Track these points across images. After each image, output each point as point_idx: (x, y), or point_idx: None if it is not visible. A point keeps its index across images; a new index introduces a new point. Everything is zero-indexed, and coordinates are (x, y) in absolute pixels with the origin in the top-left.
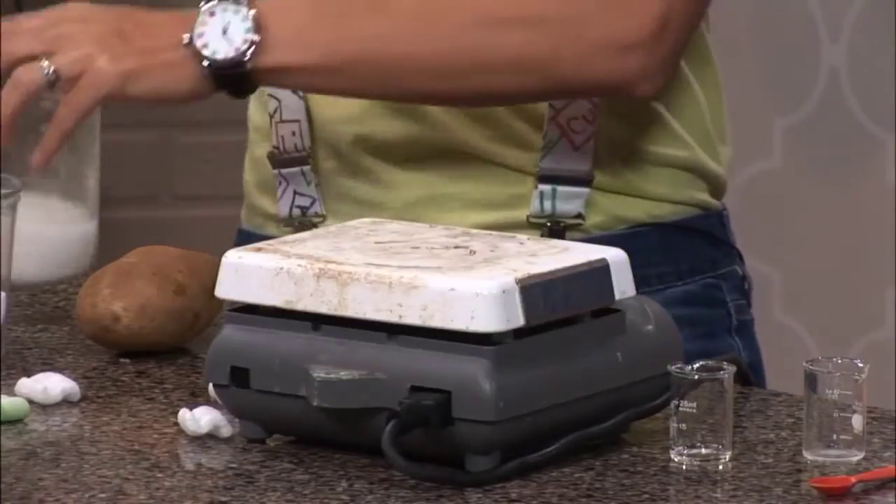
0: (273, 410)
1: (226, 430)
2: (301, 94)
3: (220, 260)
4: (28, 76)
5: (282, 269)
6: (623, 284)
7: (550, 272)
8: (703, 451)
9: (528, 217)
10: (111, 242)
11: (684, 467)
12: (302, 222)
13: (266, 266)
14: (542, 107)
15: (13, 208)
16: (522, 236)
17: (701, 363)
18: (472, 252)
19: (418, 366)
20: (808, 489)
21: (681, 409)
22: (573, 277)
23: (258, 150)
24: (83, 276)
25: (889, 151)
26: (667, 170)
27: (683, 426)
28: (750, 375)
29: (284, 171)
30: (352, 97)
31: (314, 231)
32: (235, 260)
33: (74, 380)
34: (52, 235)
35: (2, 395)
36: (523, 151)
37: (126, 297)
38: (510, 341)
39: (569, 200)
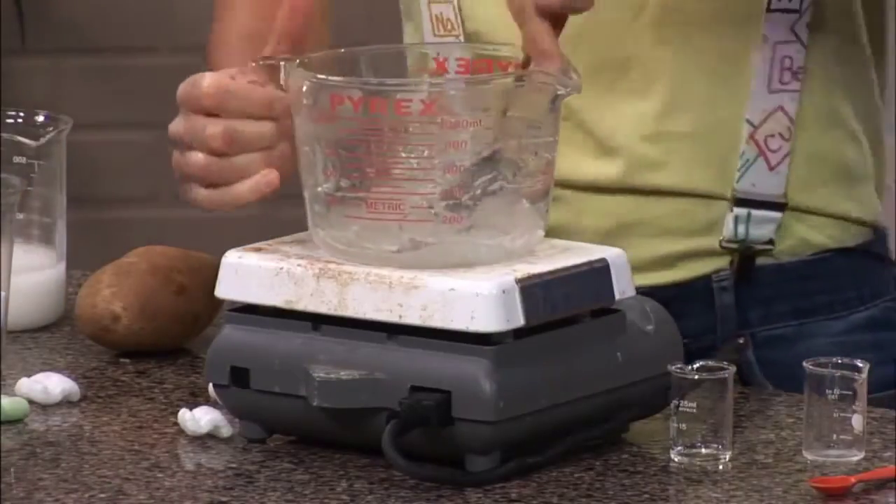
0: (273, 410)
1: (226, 430)
2: None
3: (220, 260)
4: None
5: (282, 269)
6: (623, 284)
7: (550, 272)
8: (704, 451)
9: (720, 242)
10: (111, 242)
11: (684, 467)
12: None
13: (266, 266)
14: (739, 124)
15: (13, 208)
16: None
17: (701, 363)
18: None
19: (418, 366)
20: (808, 489)
21: (681, 409)
22: (573, 277)
23: None
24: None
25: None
26: (857, 186)
27: (683, 426)
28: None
29: None
30: None
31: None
32: (235, 260)
33: (74, 380)
34: (24, 283)
35: (2, 395)
36: (719, 174)
37: (126, 297)
38: (510, 341)
39: (761, 225)
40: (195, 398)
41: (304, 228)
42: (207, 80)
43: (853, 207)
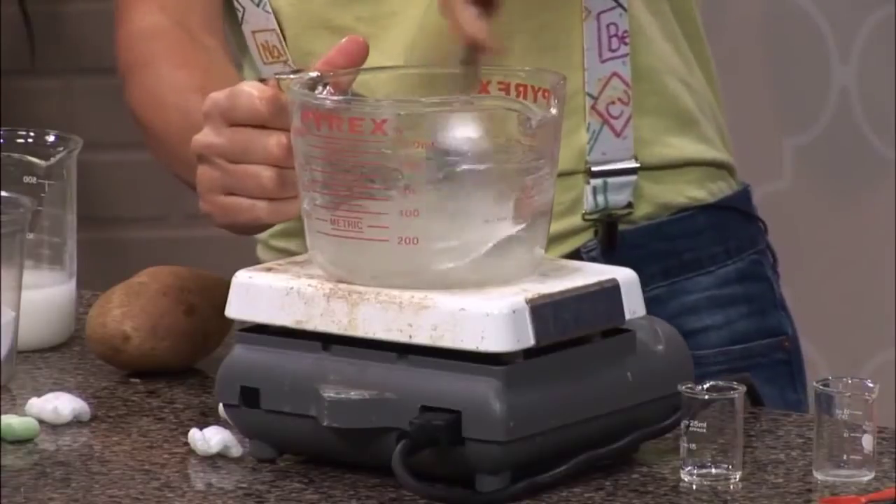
0: (283, 430)
1: (236, 450)
2: None
3: (230, 280)
4: None
5: (292, 288)
6: (633, 304)
7: (561, 292)
8: (714, 470)
9: (582, 216)
10: (121, 262)
11: (695, 487)
12: None
13: (276, 286)
14: (580, 99)
15: (24, 227)
16: None
17: (711, 383)
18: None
19: (428, 386)
20: None
21: (691, 428)
22: (583, 297)
23: None
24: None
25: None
26: (700, 129)
27: (694, 446)
28: (759, 396)
29: None
30: None
31: None
32: (246, 280)
33: (85, 399)
34: (34, 302)
35: (12, 415)
36: (572, 150)
37: (136, 317)
38: (520, 361)
39: (618, 191)
40: (205, 418)
41: None
42: (259, 93)
43: (701, 150)
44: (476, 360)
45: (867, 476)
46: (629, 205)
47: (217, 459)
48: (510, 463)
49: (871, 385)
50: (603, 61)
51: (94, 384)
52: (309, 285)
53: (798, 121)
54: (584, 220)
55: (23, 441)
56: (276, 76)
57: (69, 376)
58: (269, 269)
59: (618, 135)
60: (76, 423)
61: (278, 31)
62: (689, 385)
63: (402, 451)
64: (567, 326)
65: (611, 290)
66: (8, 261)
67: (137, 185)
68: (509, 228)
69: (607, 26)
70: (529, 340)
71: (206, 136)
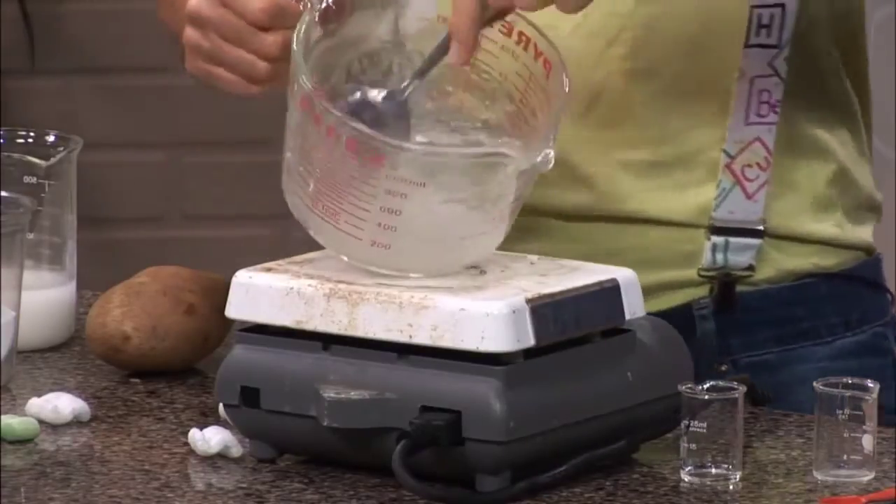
0: (283, 430)
1: (236, 450)
2: None
3: (230, 280)
4: None
5: (292, 289)
6: (633, 304)
7: (561, 292)
8: (714, 470)
9: (698, 271)
10: (121, 262)
11: (695, 487)
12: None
13: (276, 286)
14: (717, 154)
15: (24, 228)
16: (533, 256)
17: (711, 383)
18: (483, 272)
19: (428, 386)
20: None
21: (691, 428)
22: (583, 297)
23: None
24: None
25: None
26: (837, 212)
27: (694, 446)
28: (759, 396)
29: None
30: None
31: (325, 251)
32: (246, 280)
33: (85, 400)
34: (34, 302)
35: (12, 415)
36: (697, 202)
37: (136, 318)
38: (520, 361)
39: (740, 252)
40: (205, 418)
41: (314, 249)
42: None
43: (835, 234)
44: (476, 360)
45: (867, 476)
46: (750, 267)
47: (217, 459)
48: (510, 463)
49: (870, 385)
50: (748, 124)
51: (95, 384)
52: (309, 285)
53: None
54: (700, 275)
55: (23, 441)
56: None
57: (69, 376)
58: (268, 270)
59: (749, 197)
60: (76, 423)
61: None
62: (689, 385)
63: (402, 451)
64: (567, 326)
65: (611, 290)
66: (8, 261)
67: (137, 185)
68: (486, 242)
69: (760, 92)
70: (529, 340)
71: (203, 7)
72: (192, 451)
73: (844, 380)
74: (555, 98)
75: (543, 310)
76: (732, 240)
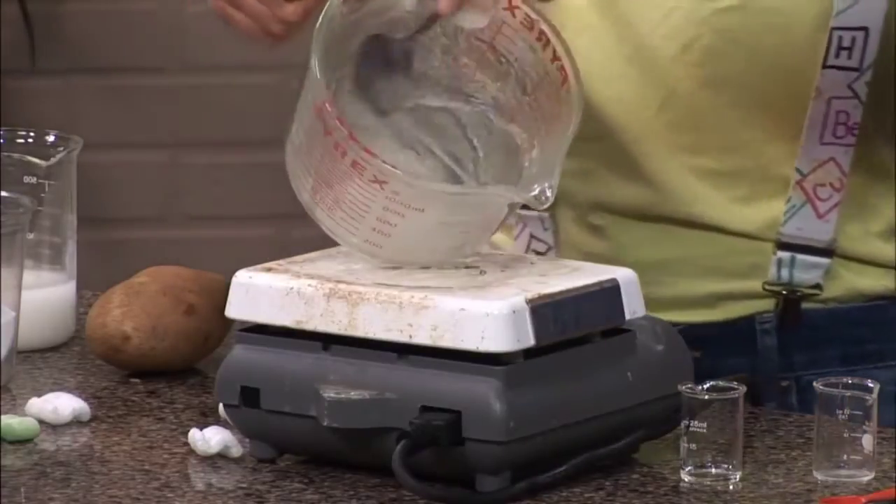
0: (283, 430)
1: (236, 450)
2: None
3: (230, 280)
4: None
5: (292, 289)
6: (633, 304)
7: (561, 292)
8: (714, 470)
9: (763, 285)
10: (121, 262)
11: (695, 487)
12: None
13: (276, 286)
14: (787, 170)
15: (24, 228)
16: (533, 256)
17: (711, 383)
18: (483, 272)
19: (428, 386)
20: None
21: (691, 428)
22: (583, 297)
23: None
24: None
25: None
26: None
27: (694, 446)
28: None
29: (523, 211)
30: None
31: (325, 251)
32: (246, 280)
33: (85, 400)
34: (34, 302)
35: (13, 415)
36: (765, 216)
37: (136, 317)
38: (520, 361)
39: (807, 270)
40: (205, 418)
41: (314, 249)
42: None
43: None
44: (476, 360)
45: (867, 476)
46: (817, 286)
47: (217, 459)
48: (510, 463)
49: (870, 385)
50: (822, 143)
51: (95, 384)
52: (309, 285)
53: None
54: (765, 289)
55: (23, 441)
56: None
57: (69, 376)
58: (269, 270)
59: (820, 216)
60: (76, 423)
61: None
62: (689, 385)
63: (402, 451)
64: (567, 326)
65: (611, 290)
66: (8, 261)
67: (137, 185)
68: (477, 248)
69: (837, 113)
70: (529, 340)
71: None
72: (192, 451)
73: (844, 380)
74: (566, 117)
75: (543, 310)
76: (799, 257)
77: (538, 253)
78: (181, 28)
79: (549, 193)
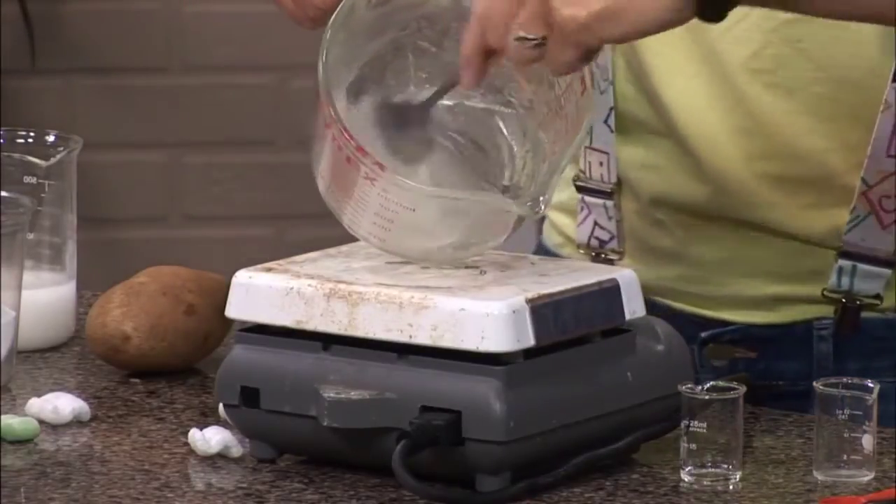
0: (283, 430)
1: (236, 450)
2: (612, 126)
3: (230, 280)
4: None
5: (292, 289)
6: (633, 304)
7: (561, 292)
8: (714, 471)
9: (823, 291)
10: (121, 262)
11: (695, 487)
12: (598, 253)
13: (276, 286)
14: (854, 180)
15: (24, 228)
16: (533, 256)
17: (711, 383)
18: (483, 272)
19: (428, 386)
20: None
21: (691, 428)
22: (583, 297)
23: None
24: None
25: None
26: None
27: (694, 446)
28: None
29: (588, 198)
30: (813, 15)
31: (325, 251)
32: (246, 280)
33: (85, 399)
34: (34, 302)
35: (12, 415)
36: (828, 224)
37: (136, 317)
38: (520, 361)
39: (868, 279)
40: (205, 418)
41: (314, 249)
42: None
43: None
44: (476, 360)
45: (867, 476)
46: (877, 296)
47: (217, 459)
48: (510, 463)
49: (870, 385)
50: (889, 156)
51: (95, 384)
52: (309, 285)
53: None
54: (824, 295)
55: (23, 441)
56: None
57: (69, 376)
58: (268, 270)
59: (884, 227)
60: (76, 423)
61: None
62: (689, 385)
63: (402, 451)
64: (567, 326)
65: (611, 290)
66: (8, 261)
67: (137, 185)
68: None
69: None
70: (529, 340)
71: None
72: (192, 451)
73: (844, 380)
74: (579, 123)
75: (543, 310)
76: (861, 266)
77: (600, 241)
78: (181, 28)
79: (542, 207)
